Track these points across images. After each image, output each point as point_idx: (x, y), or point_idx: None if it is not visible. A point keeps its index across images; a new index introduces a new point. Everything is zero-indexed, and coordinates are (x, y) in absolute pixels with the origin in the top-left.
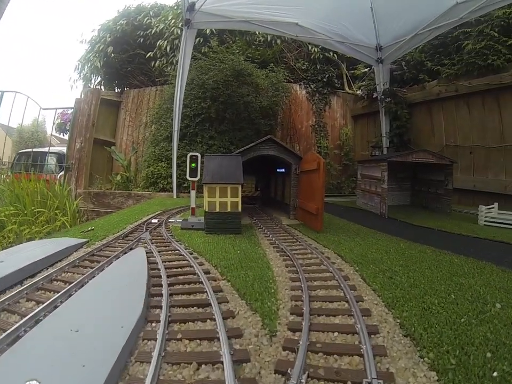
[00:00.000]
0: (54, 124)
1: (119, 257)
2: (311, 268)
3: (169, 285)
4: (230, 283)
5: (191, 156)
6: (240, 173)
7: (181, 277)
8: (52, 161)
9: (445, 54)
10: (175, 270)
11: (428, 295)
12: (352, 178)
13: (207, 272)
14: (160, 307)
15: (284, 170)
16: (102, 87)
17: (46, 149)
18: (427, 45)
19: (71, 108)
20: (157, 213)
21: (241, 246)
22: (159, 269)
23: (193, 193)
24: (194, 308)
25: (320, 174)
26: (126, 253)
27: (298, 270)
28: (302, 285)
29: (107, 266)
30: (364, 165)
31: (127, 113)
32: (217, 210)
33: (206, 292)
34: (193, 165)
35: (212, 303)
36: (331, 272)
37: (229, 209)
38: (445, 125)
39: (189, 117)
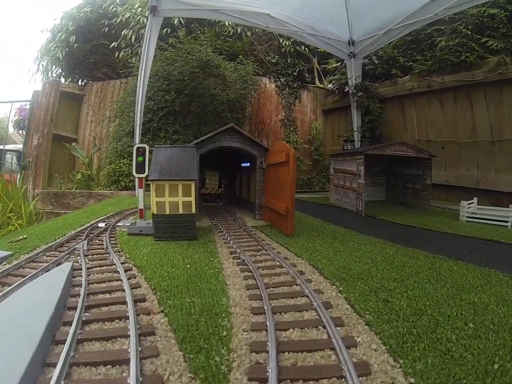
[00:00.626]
0: (10, 120)
1: (36, 278)
2: (280, 289)
3: (84, 323)
4: (167, 319)
5: (137, 148)
6: (194, 168)
7: (104, 308)
8: (11, 159)
9: (418, 50)
10: (99, 296)
11: (441, 327)
12: (323, 173)
13: (141, 299)
14: (55, 364)
15: (248, 164)
16: (63, 80)
17: (1, 147)
18: (400, 41)
19: (29, 102)
20: (109, 215)
21: (194, 258)
22: (79, 295)
23: (141, 192)
24: (106, 367)
25: (290, 168)
26: (48, 270)
27: (262, 294)
28: (268, 322)
29: (12, 293)
30: (338, 158)
31: (90, 107)
32: (167, 212)
33: (130, 336)
34: (139, 158)
35: (132, 361)
36: (307, 297)
37: (180, 211)
38: (417, 120)
39: (152, 110)
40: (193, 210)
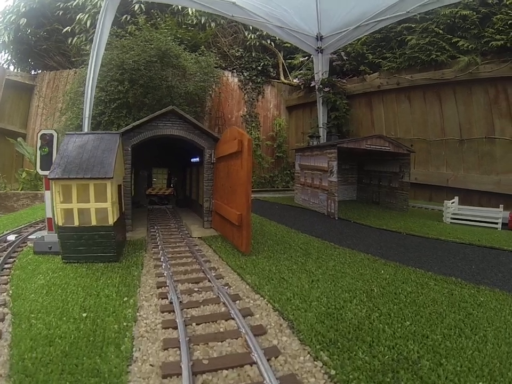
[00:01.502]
0: None
1: None
2: (224, 375)
3: None
4: None
5: (42, 136)
6: (110, 161)
7: None
8: None
9: (387, 48)
10: None
11: None
12: (286, 171)
13: None
14: None
15: (198, 159)
16: (13, 68)
17: None
18: (369, 38)
19: None
20: (32, 222)
21: (100, 296)
22: None
23: (47, 195)
24: None
25: (244, 160)
26: None
27: None
28: None
29: None
30: (304, 154)
31: (40, 99)
32: (76, 223)
33: None
34: (44, 149)
35: None
36: None
37: (93, 222)
38: (385, 117)
39: (104, 102)
40: (111, 221)
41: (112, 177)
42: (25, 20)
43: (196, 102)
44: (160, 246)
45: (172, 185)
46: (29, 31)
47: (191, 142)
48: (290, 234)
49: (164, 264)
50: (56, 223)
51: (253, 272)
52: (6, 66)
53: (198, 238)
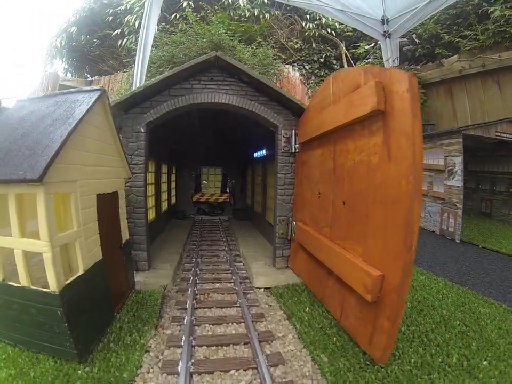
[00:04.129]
0: None
1: None
2: None
3: None
4: None
5: None
6: (55, 141)
7: None
8: None
9: (465, 25)
10: None
11: None
12: None
13: None
14: None
15: (264, 152)
16: (70, 75)
17: None
18: (442, 15)
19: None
20: None
21: None
22: None
23: None
24: None
25: (399, 135)
26: None
27: None
28: None
29: None
30: None
31: None
32: None
33: None
34: None
35: None
36: None
37: (24, 281)
38: (470, 108)
39: None
40: (58, 285)
41: (41, 178)
42: (76, 28)
43: None
44: (189, 314)
45: (227, 189)
46: (82, 38)
47: (251, 117)
48: (425, 281)
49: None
50: None
51: None
52: (64, 74)
53: (265, 289)
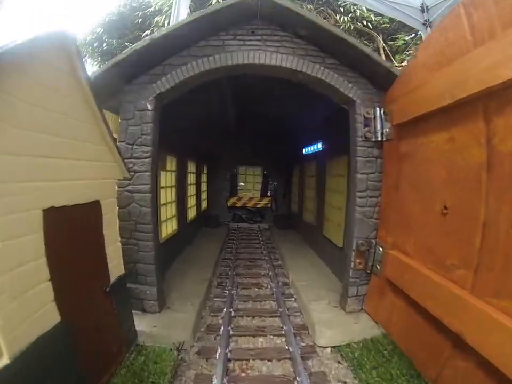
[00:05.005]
0: None
1: None
2: None
3: None
4: None
5: None
6: None
7: None
8: None
9: None
10: None
11: None
12: None
13: None
14: None
15: (321, 145)
16: None
17: None
18: None
19: None
20: None
21: None
22: None
23: None
24: None
25: None
26: None
27: None
28: None
29: None
30: None
31: None
32: None
33: None
34: None
35: None
36: None
37: None
38: None
39: None
40: None
41: None
42: (106, 31)
43: None
44: None
45: (269, 193)
46: (114, 42)
47: (312, 88)
48: None
49: None
50: None
51: None
52: None
53: (332, 348)
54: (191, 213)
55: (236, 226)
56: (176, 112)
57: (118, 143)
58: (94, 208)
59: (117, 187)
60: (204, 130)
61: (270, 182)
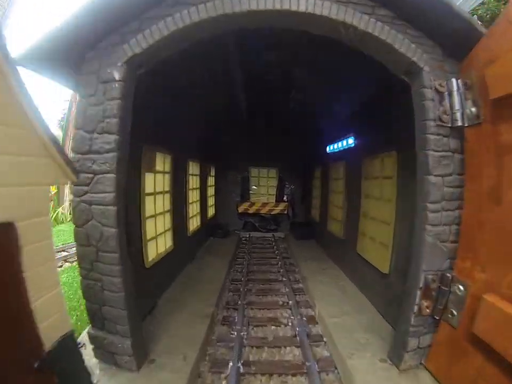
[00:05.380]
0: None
1: None
2: None
3: None
4: None
5: None
6: None
7: None
8: None
9: None
10: None
11: None
12: None
13: None
14: None
15: (353, 141)
16: None
17: None
18: None
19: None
20: None
21: None
22: None
23: None
24: None
25: None
26: None
27: None
28: None
29: None
30: None
31: None
32: None
33: None
34: None
35: None
36: None
37: None
38: None
39: None
40: None
41: None
42: None
43: None
44: None
45: (285, 197)
46: None
47: (358, 49)
48: None
49: None
50: None
51: None
52: None
53: None
54: (194, 224)
55: (248, 236)
56: (171, 96)
57: (75, 131)
58: (2, 236)
59: (71, 196)
60: (210, 123)
61: (287, 185)
